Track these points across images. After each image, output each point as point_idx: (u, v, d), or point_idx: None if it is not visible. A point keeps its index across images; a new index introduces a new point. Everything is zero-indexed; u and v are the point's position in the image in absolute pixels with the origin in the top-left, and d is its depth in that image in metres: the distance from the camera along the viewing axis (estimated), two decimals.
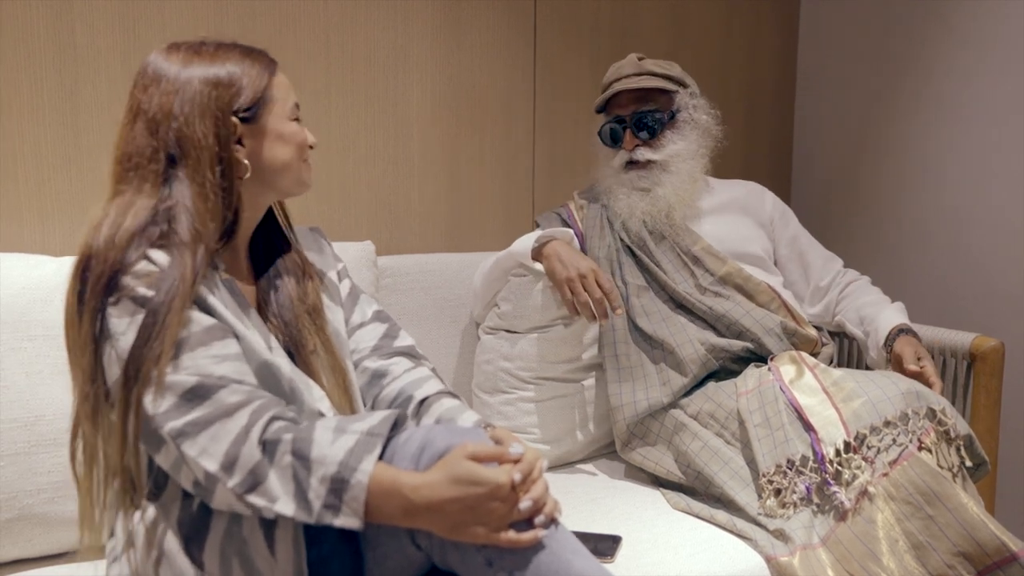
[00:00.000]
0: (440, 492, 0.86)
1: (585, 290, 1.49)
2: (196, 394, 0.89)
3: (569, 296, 1.51)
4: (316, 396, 1.03)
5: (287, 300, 1.08)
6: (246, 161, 1.01)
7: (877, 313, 1.68)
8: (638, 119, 1.70)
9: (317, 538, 0.95)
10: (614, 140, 1.75)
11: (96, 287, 0.90)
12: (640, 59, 1.75)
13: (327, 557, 0.96)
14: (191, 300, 0.92)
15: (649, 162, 1.70)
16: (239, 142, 1.01)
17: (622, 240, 1.72)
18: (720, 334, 1.62)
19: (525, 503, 0.89)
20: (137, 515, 0.94)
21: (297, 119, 1.08)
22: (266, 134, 1.03)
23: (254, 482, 0.87)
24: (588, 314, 1.49)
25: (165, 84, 0.98)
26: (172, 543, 0.92)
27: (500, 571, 0.89)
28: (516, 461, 0.91)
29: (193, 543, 0.92)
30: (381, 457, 0.90)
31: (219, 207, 0.98)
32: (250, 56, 1.03)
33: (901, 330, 1.61)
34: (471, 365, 1.80)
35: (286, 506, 0.87)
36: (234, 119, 0.99)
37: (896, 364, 1.57)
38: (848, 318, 1.75)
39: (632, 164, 1.72)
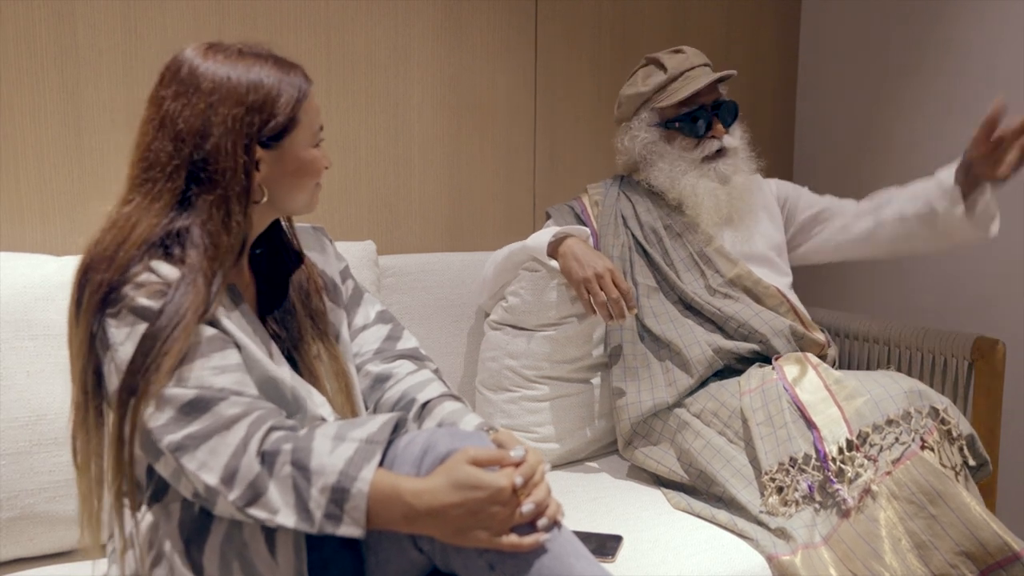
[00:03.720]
0: (441, 497, 0.86)
1: (602, 290, 1.50)
2: (195, 407, 0.88)
3: (586, 296, 1.51)
4: (317, 402, 1.03)
5: (289, 305, 1.08)
6: (263, 187, 0.99)
7: (934, 175, 1.59)
8: (723, 107, 1.69)
9: (318, 542, 0.95)
10: (704, 128, 1.68)
11: (93, 297, 0.90)
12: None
13: (328, 560, 0.96)
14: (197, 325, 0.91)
15: (733, 150, 1.70)
16: (256, 167, 0.97)
17: (635, 238, 1.71)
18: (729, 336, 1.61)
19: (527, 507, 0.88)
20: (137, 516, 0.94)
21: (318, 143, 1.03)
22: (286, 161, 0.99)
23: (254, 495, 0.87)
24: (604, 314, 1.50)
25: (197, 98, 0.93)
26: (172, 545, 0.92)
27: (502, 575, 0.89)
28: (518, 464, 0.91)
29: (193, 545, 0.92)
30: (382, 463, 0.90)
31: (239, 237, 0.96)
32: (288, 76, 0.98)
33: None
34: (474, 364, 1.80)
35: (287, 517, 0.86)
36: (258, 146, 0.96)
37: (983, 138, 1.40)
38: (901, 197, 1.67)
39: (717, 153, 1.69)
